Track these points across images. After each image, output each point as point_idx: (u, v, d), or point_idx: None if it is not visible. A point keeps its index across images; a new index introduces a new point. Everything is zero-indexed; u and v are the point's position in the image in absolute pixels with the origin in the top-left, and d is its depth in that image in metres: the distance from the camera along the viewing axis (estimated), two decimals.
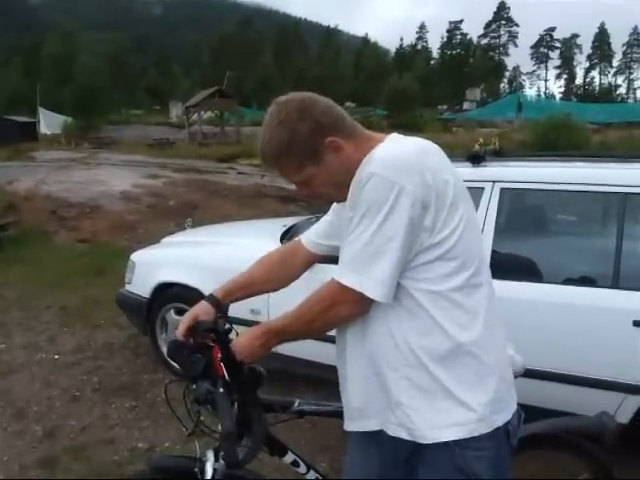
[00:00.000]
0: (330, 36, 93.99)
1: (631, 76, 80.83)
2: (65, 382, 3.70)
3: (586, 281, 2.81)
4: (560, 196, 3.00)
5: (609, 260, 2.73)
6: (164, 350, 3.80)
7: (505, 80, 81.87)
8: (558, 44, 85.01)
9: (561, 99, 68.83)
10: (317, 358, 3.28)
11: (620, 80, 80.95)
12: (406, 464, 1.40)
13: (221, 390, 1.38)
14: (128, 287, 3.95)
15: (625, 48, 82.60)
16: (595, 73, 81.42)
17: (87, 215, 8.94)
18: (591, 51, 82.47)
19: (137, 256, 3.97)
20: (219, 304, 1.62)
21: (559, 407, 2.62)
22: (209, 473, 1.55)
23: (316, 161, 1.36)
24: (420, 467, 1.36)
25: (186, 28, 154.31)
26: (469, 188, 2.90)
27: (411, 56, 77.99)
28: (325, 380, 3.34)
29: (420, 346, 1.31)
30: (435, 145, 1.39)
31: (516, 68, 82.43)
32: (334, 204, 1.65)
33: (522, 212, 3.18)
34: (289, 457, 1.69)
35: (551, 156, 3.60)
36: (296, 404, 1.72)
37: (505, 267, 2.77)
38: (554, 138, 15.31)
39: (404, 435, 1.35)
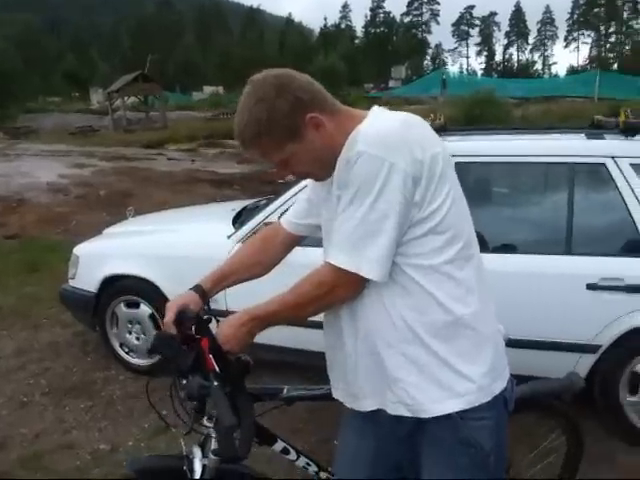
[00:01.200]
0: (252, 16, 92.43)
1: (546, 53, 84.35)
2: (10, 388, 3.48)
3: (541, 249, 2.89)
4: (513, 168, 3.07)
5: (561, 228, 2.83)
6: (116, 345, 3.66)
7: (428, 57, 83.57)
8: (477, 22, 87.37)
9: (482, 75, 70.93)
10: (286, 343, 3.24)
11: (536, 56, 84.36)
12: (409, 440, 1.40)
13: (215, 383, 1.32)
14: (72, 282, 3.74)
15: (539, 26, 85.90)
16: (513, 50, 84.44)
17: (13, 209, 8.42)
18: (508, 29, 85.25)
19: (81, 249, 3.76)
20: (205, 294, 1.55)
21: (520, 372, 2.70)
22: (198, 471, 1.48)
23: (297, 139, 1.32)
24: (424, 442, 1.37)
25: (101, 10, 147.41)
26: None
27: (336, 35, 77.93)
28: (296, 365, 3.34)
29: (416, 321, 1.31)
30: (419, 117, 1.36)
31: (438, 46, 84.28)
32: (309, 182, 1.60)
33: (476, 185, 3.23)
34: (278, 445, 1.65)
35: (493, 129, 3.68)
36: (285, 391, 1.67)
37: None
38: (478, 113, 15.77)
39: (404, 412, 1.35)
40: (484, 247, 2.81)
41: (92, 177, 10.88)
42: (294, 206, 1.68)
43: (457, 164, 2.85)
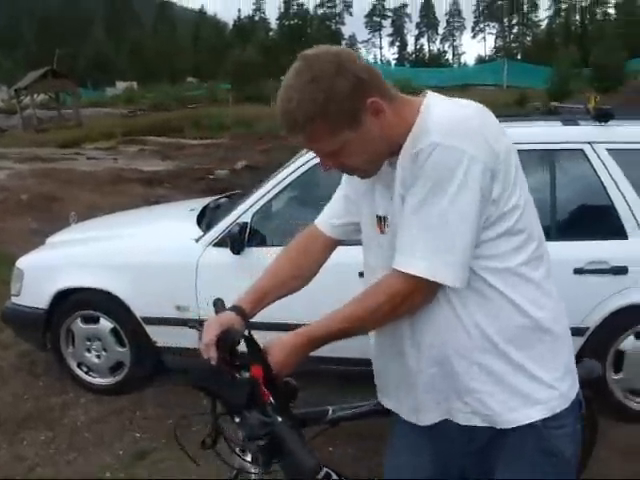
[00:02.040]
0: (163, 9, 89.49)
1: (455, 43, 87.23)
2: None
3: None
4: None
5: (545, 215, 2.81)
6: (73, 365, 3.33)
7: None
8: (389, 13, 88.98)
9: (396, 65, 72.34)
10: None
11: (446, 46, 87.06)
12: (479, 454, 1.30)
13: (279, 419, 1.13)
14: (16, 299, 3.35)
15: (447, 17, 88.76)
16: (424, 40, 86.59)
17: None
18: (419, 20, 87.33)
19: (24, 263, 3.38)
20: (245, 316, 1.34)
21: None
22: None
23: (354, 125, 1.15)
24: (502, 454, 1.27)
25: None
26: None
27: (250, 28, 76.99)
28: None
29: (491, 328, 1.20)
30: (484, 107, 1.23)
31: (352, 37, 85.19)
32: (345, 176, 1.44)
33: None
34: (321, 473, 1.47)
35: None
36: (330, 412, 1.50)
37: None
38: None
39: (478, 422, 1.25)
40: None
41: (8, 180, 10.06)
42: (330, 206, 1.50)
43: None
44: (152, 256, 3.13)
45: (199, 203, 3.95)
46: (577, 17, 65.45)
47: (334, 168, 1.24)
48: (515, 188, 1.17)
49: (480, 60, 73.03)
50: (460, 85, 30.65)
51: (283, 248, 1.52)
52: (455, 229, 1.12)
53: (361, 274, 1.47)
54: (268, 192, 3.02)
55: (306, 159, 2.99)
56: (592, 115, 2.92)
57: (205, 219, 3.39)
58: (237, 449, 1.35)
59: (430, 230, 1.12)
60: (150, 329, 3.15)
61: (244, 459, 1.31)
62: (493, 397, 1.23)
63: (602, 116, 2.89)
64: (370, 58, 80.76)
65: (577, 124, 2.98)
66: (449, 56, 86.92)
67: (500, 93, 24.27)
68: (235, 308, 1.35)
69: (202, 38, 65.38)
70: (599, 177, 2.80)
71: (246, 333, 1.27)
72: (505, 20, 75.64)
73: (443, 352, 1.23)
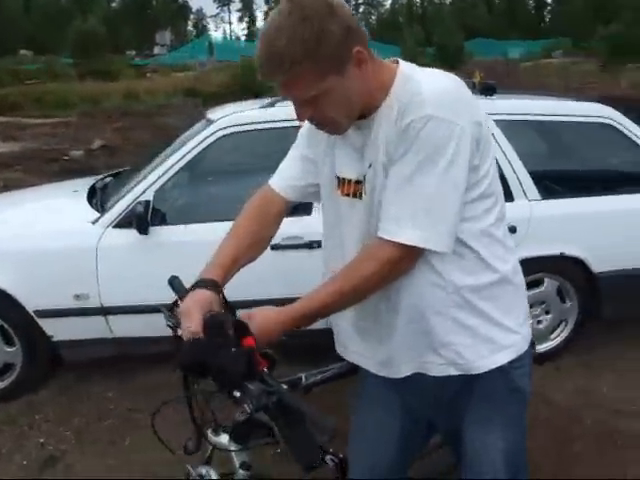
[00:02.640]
0: None
1: None
2: None
3: None
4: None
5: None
6: None
7: (190, 23, 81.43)
8: None
9: (246, 40, 71.47)
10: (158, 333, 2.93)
11: None
12: (451, 403, 1.38)
13: (284, 386, 1.11)
14: None
15: None
16: None
17: None
18: None
19: None
20: (218, 288, 1.26)
21: None
22: None
23: (340, 72, 1.14)
24: (473, 398, 1.36)
25: None
26: None
27: None
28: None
29: (466, 285, 1.27)
30: None
31: (200, 11, 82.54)
32: (303, 137, 1.44)
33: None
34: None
35: None
36: (303, 379, 1.48)
37: None
38: (250, 78, 16.13)
39: (453, 372, 1.32)
40: None
41: None
42: (285, 168, 1.46)
43: None
44: (43, 242, 2.86)
45: (79, 184, 3.66)
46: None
47: (307, 119, 1.22)
48: (487, 154, 1.23)
49: None
50: None
51: (239, 214, 1.45)
52: (448, 199, 1.16)
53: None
54: (170, 169, 2.88)
55: (208, 133, 2.90)
56: (478, 89, 3.11)
57: (96, 200, 3.16)
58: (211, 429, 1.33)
59: (423, 200, 1.15)
60: (45, 323, 2.88)
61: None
62: (467, 347, 1.30)
63: (487, 90, 3.10)
64: (219, 34, 79.12)
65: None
66: None
67: None
68: (205, 283, 1.25)
69: (34, 6, 59.47)
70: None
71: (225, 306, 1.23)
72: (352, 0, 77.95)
73: (420, 310, 1.28)
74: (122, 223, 2.82)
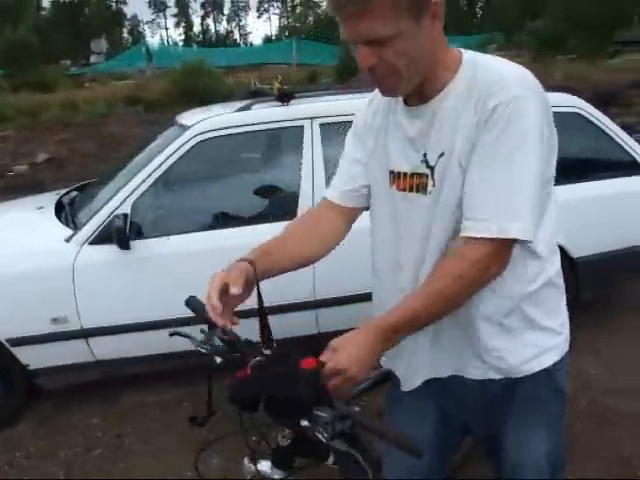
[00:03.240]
0: None
1: (241, 23, 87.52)
2: None
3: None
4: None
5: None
6: None
7: (126, 30, 79.51)
8: None
9: (183, 46, 70.40)
10: (145, 351, 2.81)
11: (232, 27, 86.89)
12: (490, 406, 1.33)
13: (356, 408, 1.02)
14: None
15: None
16: (210, 21, 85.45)
17: None
18: (204, 0, 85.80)
19: None
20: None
21: None
22: None
23: (416, 17, 1.05)
24: (515, 401, 1.31)
25: None
26: (288, 127, 2.84)
27: (17, 6, 68.57)
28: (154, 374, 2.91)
29: (519, 291, 1.23)
30: None
31: (135, 17, 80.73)
32: (350, 140, 1.39)
33: (343, 144, 3.17)
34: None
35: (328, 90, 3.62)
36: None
37: None
38: (194, 84, 15.80)
39: (494, 375, 1.27)
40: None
41: None
42: (340, 176, 1.38)
43: (321, 126, 2.88)
44: (12, 265, 2.67)
45: (42, 200, 3.47)
46: None
47: (371, 67, 1.09)
48: (555, 148, 1.16)
49: (267, 40, 74.33)
50: (252, 64, 30.89)
51: (287, 225, 1.37)
52: (540, 184, 1.09)
53: None
54: (146, 179, 2.75)
55: (185, 139, 2.78)
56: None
57: (65, 216, 2.98)
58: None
59: (521, 187, 1.06)
60: (19, 351, 2.69)
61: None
62: (511, 352, 1.26)
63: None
64: (156, 40, 77.72)
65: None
66: (236, 36, 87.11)
67: (292, 71, 24.97)
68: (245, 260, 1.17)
69: None
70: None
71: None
72: (288, 0, 77.92)
73: (469, 315, 1.22)
74: (99, 239, 2.67)
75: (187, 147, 2.77)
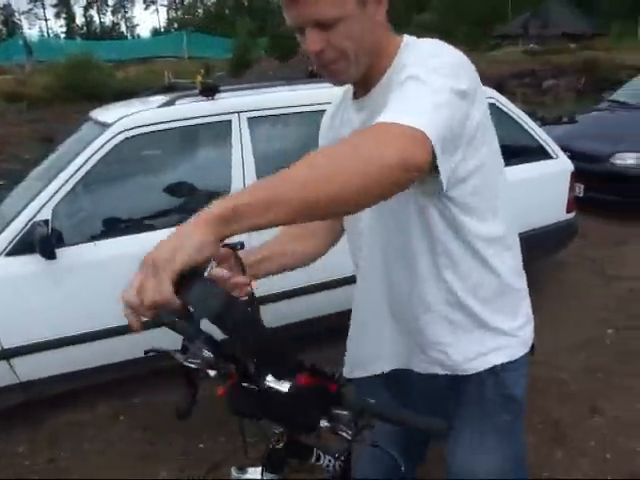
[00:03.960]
0: None
1: (127, 15, 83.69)
2: None
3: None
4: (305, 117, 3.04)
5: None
6: None
7: None
8: None
9: (66, 39, 66.39)
10: (75, 367, 2.63)
11: (118, 18, 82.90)
12: (436, 399, 1.33)
13: (370, 399, 0.99)
14: None
15: None
16: (94, 12, 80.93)
17: None
18: None
19: None
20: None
21: None
22: None
23: (361, 1, 1.06)
24: (463, 397, 1.29)
25: None
26: (214, 122, 2.74)
27: None
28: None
29: (460, 284, 1.20)
30: None
31: (8, 6, 74.85)
32: (321, 137, 1.35)
33: (272, 138, 3.10)
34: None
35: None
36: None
37: None
38: (80, 79, 15.11)
39: (439, 371, 1.27)
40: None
41: None
42: None
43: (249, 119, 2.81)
44: None
45: None
46: None
47: (318, 50, 1.07)
48: (485, 141, 1.13)
49: (156, 32, 71.79)
50: (142, 58, 29.76)
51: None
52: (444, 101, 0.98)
53: None
54: (67, 181, 2.53)
55: (107, 137, 2.60)
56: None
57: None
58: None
59: (424, 96, 0.96)
60: None
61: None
62: (455, 348, 1.24)
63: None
64: (35, 32, 72.63)
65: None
66: (123, 29, 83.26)
67: (184, 64, 24.31)
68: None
69: None
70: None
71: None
72: None
73: (414, 309, 1.22)
74: (17, 249, 2.43)
75: (111, 145, 2.58)
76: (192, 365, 1.09)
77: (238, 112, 2.85)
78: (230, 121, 2.83)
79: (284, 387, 0.94)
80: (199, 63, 21.66)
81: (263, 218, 0.79)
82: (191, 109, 2.81)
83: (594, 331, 3.49)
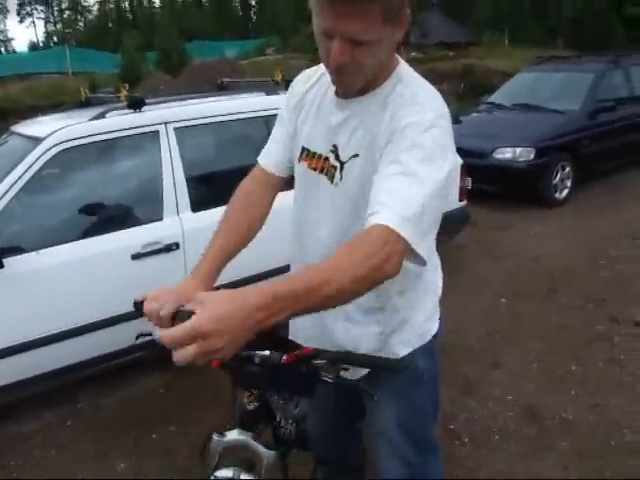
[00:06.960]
0: None
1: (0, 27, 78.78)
2: None
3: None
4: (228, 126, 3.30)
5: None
6: None
7: None
8: None
9: None
10: (20, 376, 2.71)
11: None
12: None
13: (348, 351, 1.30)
14: None
15: None
16: None
17: None
18: None
19: None
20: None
21: None
22: None
23: (392, 26, 1.10)
24: (379, 384, 1.34)
25: None
26: (141, 134, 2.91)
27: None
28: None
29: None
30: None
31: None
32: (282, 114, 1.43)
33: (200, 147, 3.32)
34: None
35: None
36: None
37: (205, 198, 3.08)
38: None
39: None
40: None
41: None
42: (275, 145, 1.44)
43: (175, 130, 3.01)
44: None
45: None
46: (126, 4, 66.80)
47: (340, 62, 1.11)
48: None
49: (34, 47, 67.93)
50: (21, 74, 28.17)
51: (233, 198, 1.41)
52: (439, 205, 1.13)
53: None
54: (4, 195, 2.63)
55: (41, 151, 2.72)
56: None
57: None
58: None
59: (427, 198, 1.07)
60: None
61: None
62: (367, 342, 1.35)
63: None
64: None
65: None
66: None
67: (68, 80, 23.35)
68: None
69: None
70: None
71: None
72: (54, 4, 71.94)
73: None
74: None
75: (45, 159, 2.70)
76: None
77: (165, 123, 3.05)
78: (158, 132, 3.03)
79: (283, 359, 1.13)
80: (85, 78, 20.89)
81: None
82: (121, 121, 2.97)
83: (490, 301, 4.03)
